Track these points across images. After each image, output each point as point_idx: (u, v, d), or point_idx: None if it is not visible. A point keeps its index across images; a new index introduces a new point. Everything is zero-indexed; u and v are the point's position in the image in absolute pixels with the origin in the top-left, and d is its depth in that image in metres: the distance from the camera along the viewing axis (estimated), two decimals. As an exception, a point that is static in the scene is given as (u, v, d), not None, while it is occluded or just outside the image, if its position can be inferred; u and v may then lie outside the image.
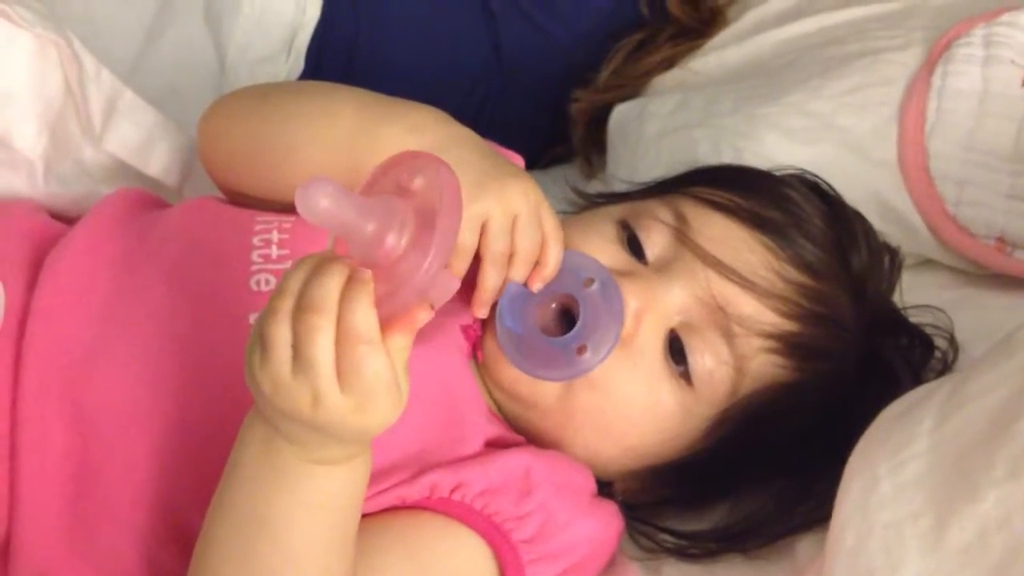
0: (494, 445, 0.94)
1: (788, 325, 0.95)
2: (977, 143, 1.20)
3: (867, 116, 1.25)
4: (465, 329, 0.96)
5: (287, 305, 0.69)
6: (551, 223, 0.93)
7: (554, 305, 0.94)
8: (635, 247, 0.98)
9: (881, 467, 0.75)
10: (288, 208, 0.95)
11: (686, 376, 0.94)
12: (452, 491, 0.88)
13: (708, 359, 0.94)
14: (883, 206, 1.22)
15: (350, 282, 0.69)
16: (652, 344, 0.94)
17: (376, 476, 0.86)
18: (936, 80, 1.22)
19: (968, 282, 1.24)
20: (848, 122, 1.25)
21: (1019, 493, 0.68)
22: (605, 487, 0.99)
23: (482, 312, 0.93)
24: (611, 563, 0.97)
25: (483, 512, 0.89)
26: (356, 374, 0.69)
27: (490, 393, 0.98)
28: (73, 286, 0.93)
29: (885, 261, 1.06)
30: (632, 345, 0.93)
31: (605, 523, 0.95)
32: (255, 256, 0.94)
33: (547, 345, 0.92)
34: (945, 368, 1.05)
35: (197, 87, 1.40)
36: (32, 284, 0.93)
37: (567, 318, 0.94)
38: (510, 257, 0.92)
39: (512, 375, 0.94)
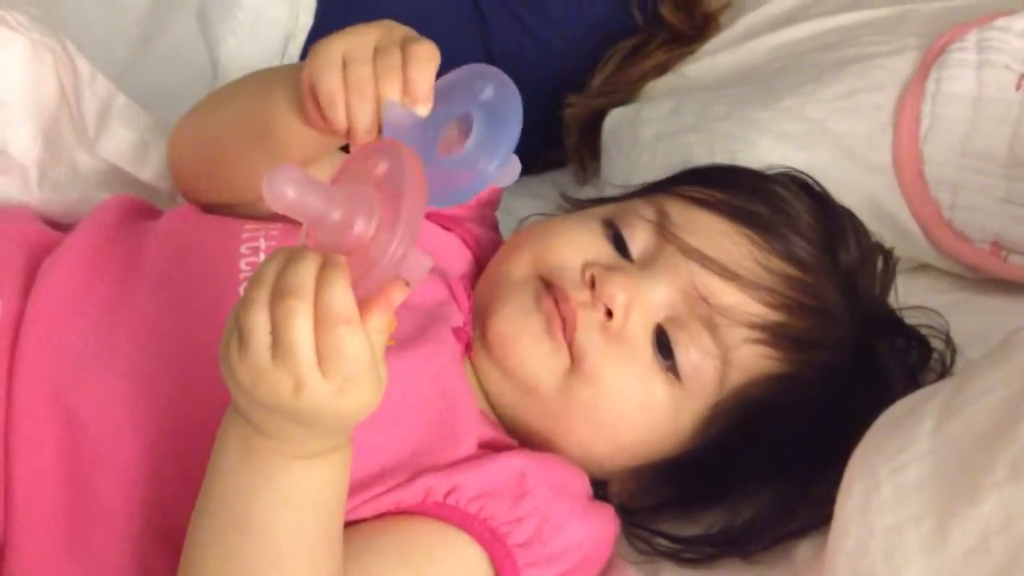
0: (488, 447, 0.93)
1: (774, 315, 0.96)
2: (972, 147, 1.20)
3: (861, 121, 1.25)
4: (456, 331, 0.96)
5: (263, 294, 0.68)
6: (419, 43, 0.84)
7: (458, 132, 0.81)
8: (620, 245, 0.98)
9: (882, 470, 0.75)
10: (273, 214, 0.95)
11: (674, 371, 0.94)
12: (447, 495, 0.88)
13: (693, 352, 0.94)
14: (878, 211, 1.22)
15: (325, 266, 0.68)
16: (641, 339, 0.94)
17: (370, 480, 0.86)
18: (930, 85, 1.22)
19: (963, 286, 1.24)
20: (842, 127, 1.25)
21: (1020, 495, 0.68)
22: (601, 489, 0.98)
23: (364, 137, 0.81)
24: (608, 567, 0.97)
25: (478, 516, 0.89)
26: (337, 356, 0.68)
27: (484, 395, 0.97)
28: (68, 294, 0.92)
29: (878, 261, 1.06)
30: (623, 339, 0.94)
31: (601, 526, 0.94)
32: (243, 264, 0.94)
33: (447, 168, 0.79)
34: (944, 371, 1.05)
35: (190, 92, 1.39)
36: (27, 291, 0.93)
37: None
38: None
39: (518, 358, 0.94)
